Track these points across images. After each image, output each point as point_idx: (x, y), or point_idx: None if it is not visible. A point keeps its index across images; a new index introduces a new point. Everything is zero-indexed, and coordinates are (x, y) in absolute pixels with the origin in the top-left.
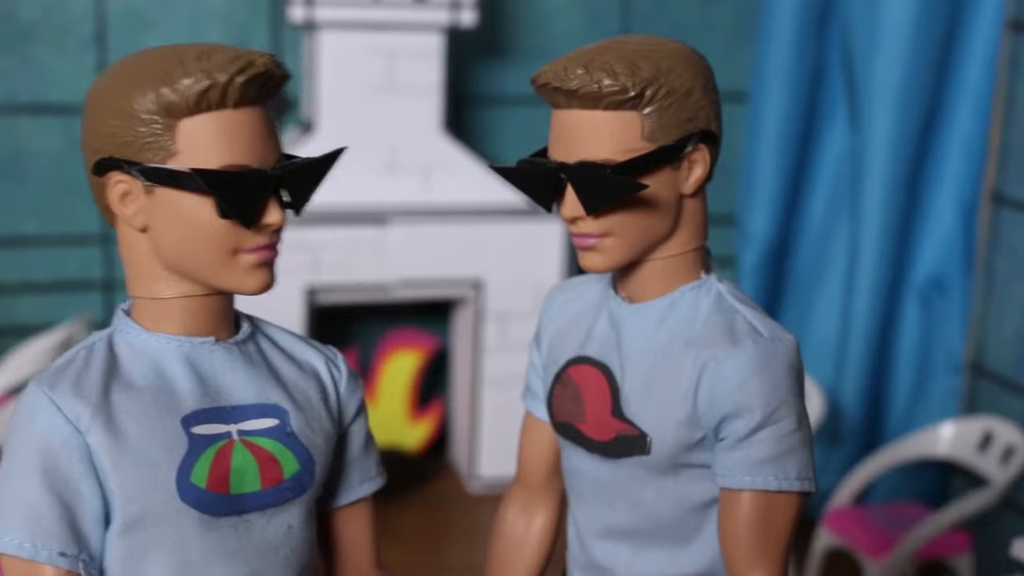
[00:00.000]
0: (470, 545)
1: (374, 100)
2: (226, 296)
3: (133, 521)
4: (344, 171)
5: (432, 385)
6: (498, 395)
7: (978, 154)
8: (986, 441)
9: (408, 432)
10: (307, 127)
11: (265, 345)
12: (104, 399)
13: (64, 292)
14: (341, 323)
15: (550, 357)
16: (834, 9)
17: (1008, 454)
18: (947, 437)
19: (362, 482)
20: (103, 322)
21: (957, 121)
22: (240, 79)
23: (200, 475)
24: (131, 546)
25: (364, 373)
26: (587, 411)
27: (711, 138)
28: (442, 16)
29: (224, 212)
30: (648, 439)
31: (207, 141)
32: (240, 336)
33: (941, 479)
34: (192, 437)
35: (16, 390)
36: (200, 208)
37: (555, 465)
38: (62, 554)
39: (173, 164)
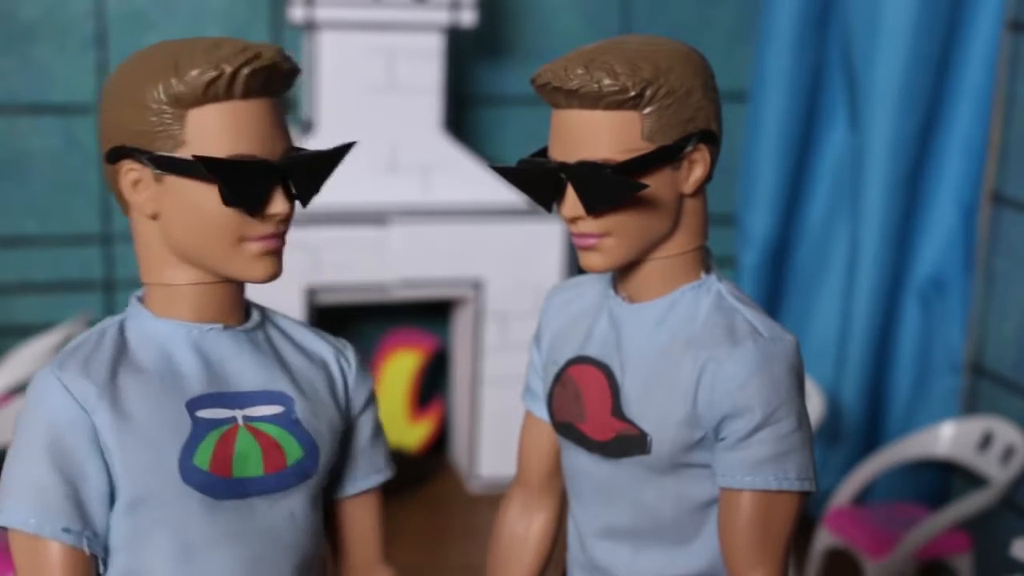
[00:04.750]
0: (470, 545)
1: (374, 100)
2: (235, 284)
3: (136, 501)
4: (344, 171)
5: (432, 385)
6: (498, 395)
7: (978, 154)
8: (986, 441)
9: (408, 432)
10: (307, 127)
11: (274, 334)
12: (111, 381)
13: (64, 292)
14: (341, 323)
15: (550, 357)
16: (834, 9)
17: (1008, 454)
18: (947, 437)
19: (369, 473)
20: None
21: (957, 121)
22: (246, 70)
23: (203, 458)
24: (135, 525)
25: None
26: (587, 411)
27: (711, 138)
28: (442, 16)
29: (228, 200)
30: (648, 439)
31: (214, 131)
32: (249, 324)
33: (941, 479)
34: (196, 420)
35: (16, 390)
36: (206, 196)
37: (555, 465)
38: (66, 530)
39: (181, 153)
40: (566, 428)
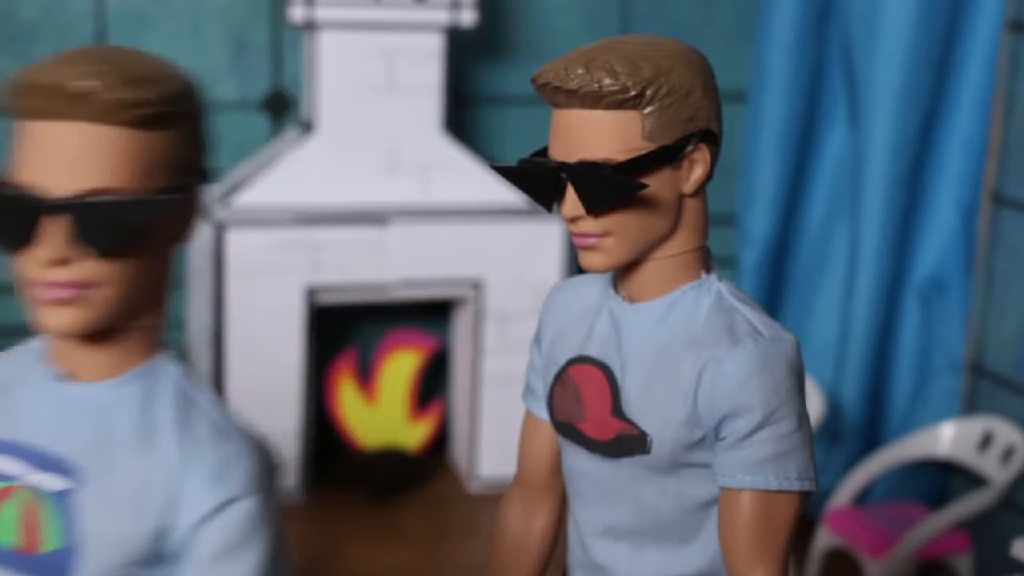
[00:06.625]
0: (470, 545)
1: (374, 100)
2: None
3: None
4: (344, 171)
5: (432, 385)
6: (498, 395)
7: (978, 154)
8: (986, 441)
9: (408, 432)
10: (307, 127)
11: (133, 404)
12: None
13: None
14: (341, 323)
15: (550, 357)
16: (834, 9)
17: (1008, 454)
18: (947, 437)
19: None
20: None
21: (957, 121)
22: (21, 88)
23: None
24: None
25: (364, 373)
26: (587, 411)
27: (711, 138)
28: (442, 16)
29: None
30: (648, 439)
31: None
32: (103, 382)
33: (941, 479)
34: None
35: None
36: None
37: (555, 465)
38: None
39: None
40: (566, 428)
